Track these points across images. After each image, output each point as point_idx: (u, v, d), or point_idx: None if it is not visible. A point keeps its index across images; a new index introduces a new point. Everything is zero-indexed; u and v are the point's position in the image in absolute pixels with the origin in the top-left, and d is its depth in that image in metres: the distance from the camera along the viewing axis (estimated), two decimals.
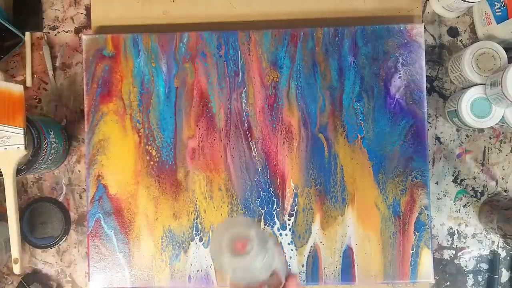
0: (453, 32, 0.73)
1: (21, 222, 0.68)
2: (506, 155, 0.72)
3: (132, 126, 0.69)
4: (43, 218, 0.72)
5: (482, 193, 0.72)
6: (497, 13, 0.66)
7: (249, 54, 0.69)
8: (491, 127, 0.70)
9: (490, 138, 0.72)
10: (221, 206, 0.69)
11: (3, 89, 0.61)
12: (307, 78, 0.69)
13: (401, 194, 0.68)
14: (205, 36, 0.69)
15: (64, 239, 0.72)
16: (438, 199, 0.72)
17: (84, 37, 0.70)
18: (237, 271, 0.37)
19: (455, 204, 0.72)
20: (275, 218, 0.68)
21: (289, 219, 0.68)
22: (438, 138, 0.73)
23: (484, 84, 0.66)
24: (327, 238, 0.68)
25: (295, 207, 0.68)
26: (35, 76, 0.74)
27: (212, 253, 0.37)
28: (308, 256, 0.68)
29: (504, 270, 0.71)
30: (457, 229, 0.72)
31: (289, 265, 0.68)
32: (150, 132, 0.69)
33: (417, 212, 0.68)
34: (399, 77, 0.69)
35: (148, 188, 0.69)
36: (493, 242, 0.72)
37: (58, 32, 0.74)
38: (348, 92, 0.69)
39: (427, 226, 0.68)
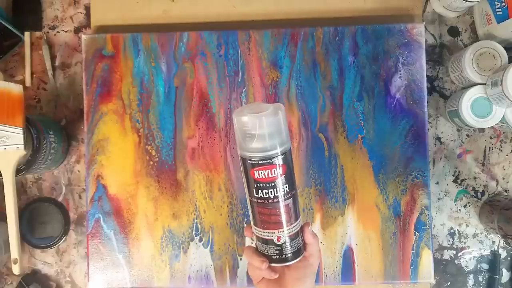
0: (453, 31, 0.73)
1: (20, 222, 0.68)
2: (507, 155, 0.72)
3: (131, 126, 0.69)
4: (43, 218, 0.72)
5: (482, 193, 0.72)
6: (497, 13, 0.66)
7: (249, 54, 0.69)
8: (492, 127, 0.70)
9: (490, 138, 0.72)
10: (221, 206, 0.69)
11: (3, 89, 0.61)
12: (307, 77, 0.69)
13: (401, 194, 0.68)
14: (205, 36, 0.69)
15: (63, 239, 0.72)
16: (438, 199, 0.72)
17: (83, 36, 0.70)
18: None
19: (455, 204, 0.72)
20: None
21: None
22: (438, 138, 0.73)
23: (485, 84, 0.66)
24: (327, 238, 0.68)
25: None
26: (35, 75, 0.74)
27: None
28: None
29: (504, 270, 0.71)
30: (457, 229, 0.72)
31: None
32: (150, 132, 0.69)
33: (418, 212, 0.68)
34: (400, 77, 0.69)
35: (148, 188, 0.69)
36: (493, 242, 0.72)
37: (58, 32, 0.74)
38: (349, 92, 0.69)
39: (427, 226, 0.68)
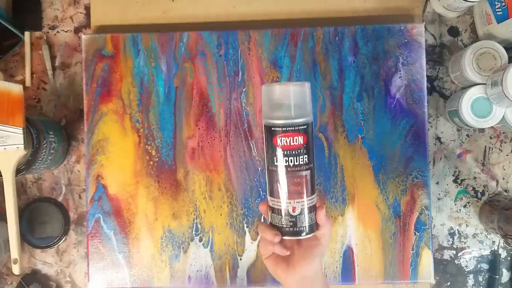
0: (453, 31, 0.73)
1: (20, 222, 0.68)
2: (507, 155, 0.72)
3: (131, 126, 0.69)
4: (43, 218, 0.72)
5: (482, 193, 0.72)
6: (497, 13, 0.66)
7: (249, 54, 0.69)
8: (492, 127, 0.70)
9: (490, 138, 0.72)
10: (221, 206, 0.69)
11: (3, 89, 0.61)
12: (307, 77, 0.69)
13: (401, 194, 0.68)
14: (205, 36, 0.69)
15: (63, 239, 0.72)
16: (438, 199, 0.72)
17: (83, 36, 0.70)
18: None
19: (455, 204, 0.72)
20: None
21: None
22: (438, 138, 0.73)
23: (485, 84, 0.66)
24: None
25: None
26: (35, 75, 0.74)
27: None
28: None
29: (504, 270, 0.71)
30: (457, 229, 0.72)
31: None
32: (150, 132, 0.69)
33: (418, 212, 0.68)
34: (400, 77, 0.69)
35: (148, 188, 0.69)
36: (493, 242, 0.72)
37: (58, 32, 0.74)
38: (349, 92, 0.69)
39: (427, 226, 0.68)
